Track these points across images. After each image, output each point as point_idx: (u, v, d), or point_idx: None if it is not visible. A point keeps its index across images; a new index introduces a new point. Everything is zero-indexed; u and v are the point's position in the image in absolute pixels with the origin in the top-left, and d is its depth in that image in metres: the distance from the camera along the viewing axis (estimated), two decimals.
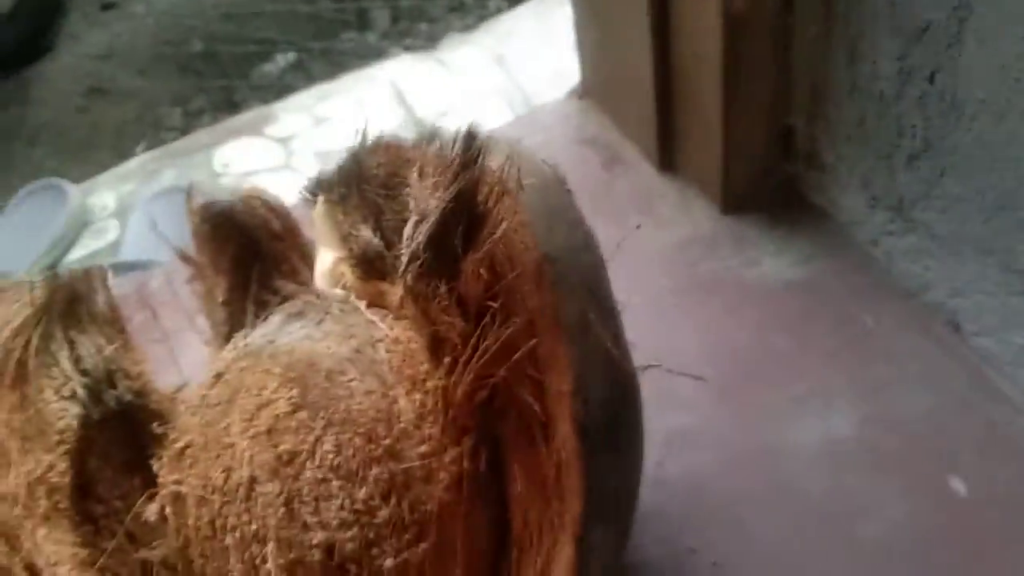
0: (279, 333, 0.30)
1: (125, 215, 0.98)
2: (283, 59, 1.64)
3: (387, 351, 0.29)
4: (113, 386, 0.34)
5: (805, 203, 0.53)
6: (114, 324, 0.37)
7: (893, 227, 0.48)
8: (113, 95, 1.74)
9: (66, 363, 0.35)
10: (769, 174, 0.52)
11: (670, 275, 0.51)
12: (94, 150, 1.52)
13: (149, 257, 0.78)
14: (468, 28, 1.45)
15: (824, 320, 0.48)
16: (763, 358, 0.47)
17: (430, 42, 1.42)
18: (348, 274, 0.33)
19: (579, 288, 0.28)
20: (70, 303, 0.37)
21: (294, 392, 0.28)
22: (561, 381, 0.27)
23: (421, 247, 0.27)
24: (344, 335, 0.29)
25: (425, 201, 0.28)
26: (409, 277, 0.27)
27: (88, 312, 0.37)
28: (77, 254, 0.92)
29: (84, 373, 0.34)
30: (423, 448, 0.27)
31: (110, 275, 0.39)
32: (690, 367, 0.33)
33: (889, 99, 0.44)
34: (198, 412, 0.30)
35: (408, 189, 0.29)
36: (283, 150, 1.11)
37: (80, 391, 0.33)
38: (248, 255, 0.39)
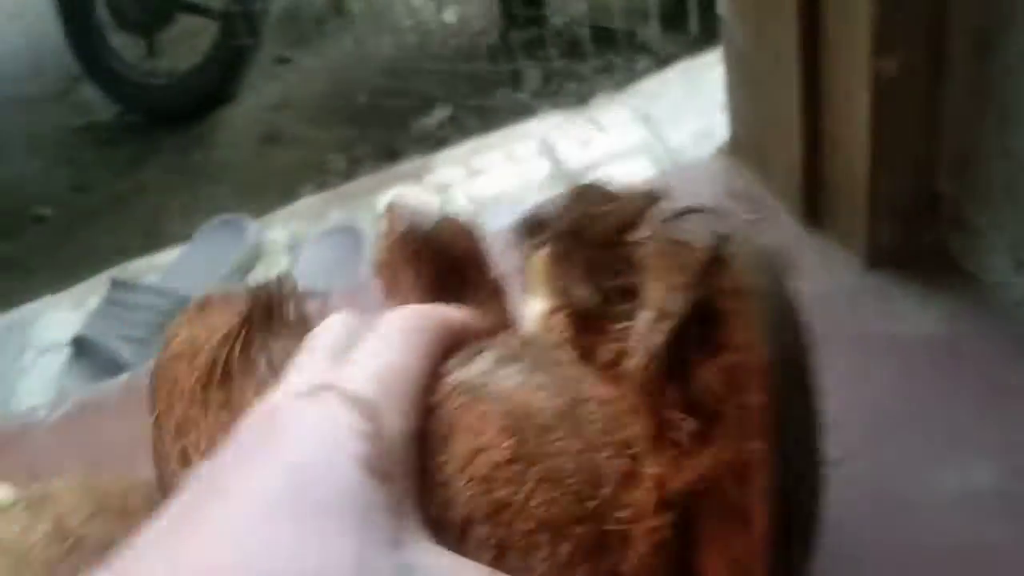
0: (493, 375, 0.31)
1: (295, 249, 1.06)
2: (440, 113, 1.74)
3: (595, 411, 0.30)
4: None
5: (951, 263, 0.54)
6: (304, 329, 0.39)
7: None
8: (285, 141, 1.89)
9: (263, 366, 0.39)
10: (915, 235, 0.54)
11: (812, 326, 0.52)
12: (267, 191, 1.65)
13: (317, 287, 0.86)
14: (617, 87, 1.49)
15: (966, 376, 0.49)
16: (902, 411, 0.48)
17: (580, 101, 1.47)
18: (561, 326, 0.34)
19: (798, 393, 0.30)
20: (267, 311, 0.40)
21: (511, 443, 0.28)
22: (767, 479, 0.28)
23: (658, 348, 0.28)
24: (557, 389, 0.30)
25: (664, 297, 0.29)
26: (641, 374, 0.29)
27: (281, 319, 0.40)
28: (254, 280, 1.01)
29: (277, 375, 0.37)
30: (625, 513, 0.29)
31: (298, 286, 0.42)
32: (828, 417, 0.35)
33: None
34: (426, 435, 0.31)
35: (636, 254, 0.31)
36: (440, 197, 1.19)
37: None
38: (443, 280, 0.39)
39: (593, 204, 0.34)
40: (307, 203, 1.21)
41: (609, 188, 0.35)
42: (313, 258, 0.96)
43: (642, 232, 0.31)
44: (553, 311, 0.34)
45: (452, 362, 0.32)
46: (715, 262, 0.28)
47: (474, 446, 0.29)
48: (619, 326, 0.31)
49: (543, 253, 0.35)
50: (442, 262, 0.39)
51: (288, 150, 1.82)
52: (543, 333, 0.34)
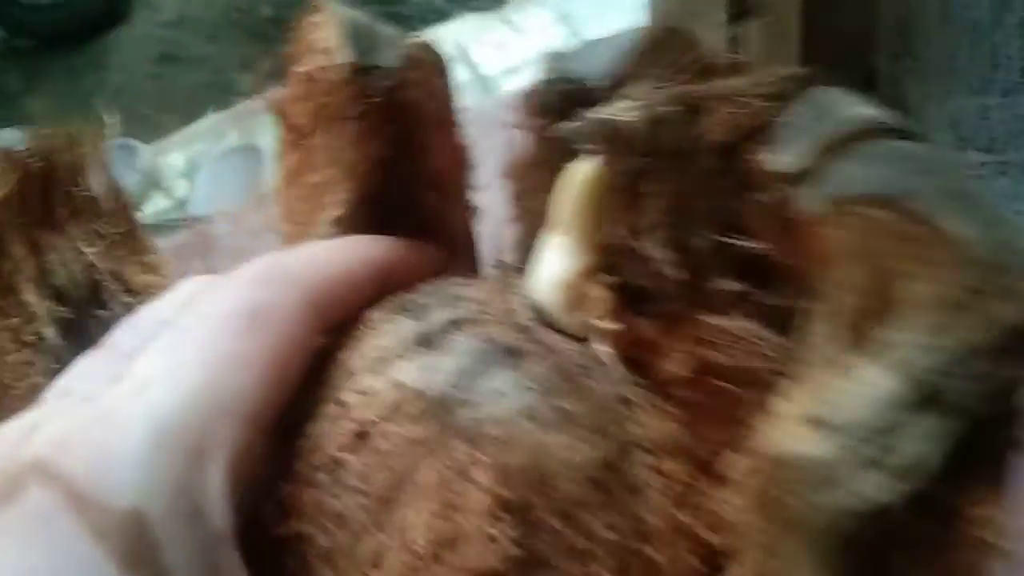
0: (476, 383, 0.18)
1: (193, 174, 0.99)
2: None
3: (649, 466, 0.18)
4: (100, 305, 0.25)
5: None
6: (116, 215, 0.27)
7: (984, 169, 0.44)
8: (184, 62, 1.76)
9: (28, 289, 0.25)
10: None
11: None
12: (166, 115, 1.55)
13: (215, 211, 0.79)
14: None
15: None
16: None
17: (495, 3, 1.40)
18: (602, 304, 0.20)
19: None
20: (45, 188, 0.26)
21: (511, 532, 0.17)
22: None
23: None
24: (591, 428, 0.18)
25: (910, 336, 0.15)
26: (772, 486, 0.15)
27: (72, 199, 0.27)
28: (146, 211, 0.94)
29: (56, 295, 0.25)
30: None
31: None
32: None
33: (984, 28, 0.41)
34: (326, 486, 0.18)
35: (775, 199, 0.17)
36: None
37: (47, 330, 0.24)
38: (393, 139, 0.24)
39: (694, 86, 0.19)
40: (207, 124, 1.13)
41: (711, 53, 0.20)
42: (211, 182, 0.89)
43: (790, 157, 0.17)
44: (589, 273, 0.20)
45: (379, 331, 0.19)
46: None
47: (450, 531, 0.17)
48: (714, 321, 0.18)
49: (591, 169, 0.20)
50: (402, 122, 0.23)
51: (188, 71, 1.70)
52: (566, 310, 0.20)
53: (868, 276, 0.15)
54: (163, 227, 0.77)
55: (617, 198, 0.19)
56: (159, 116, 1.54)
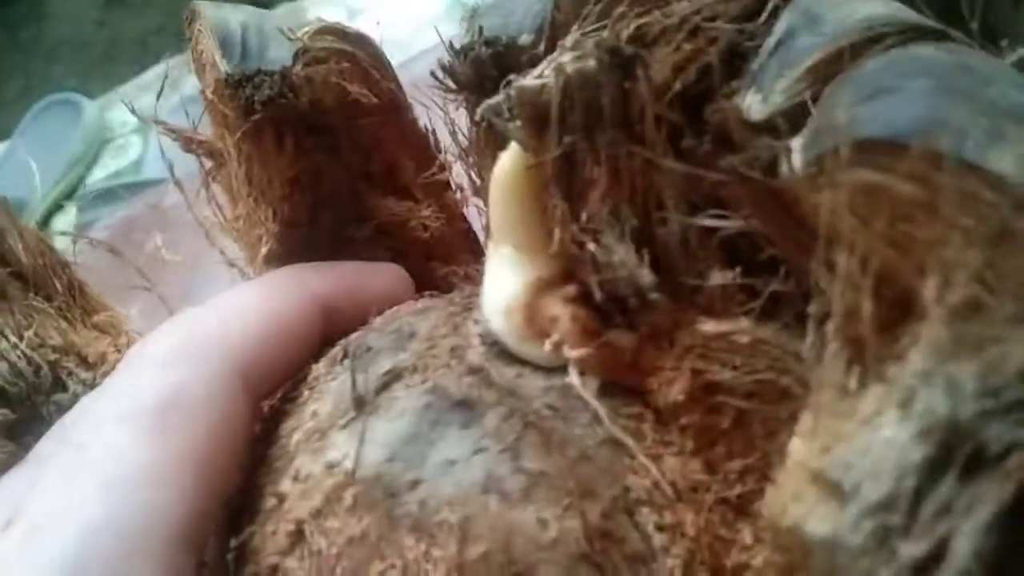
0: (423, 453, 0.15)
1: (147, 130, 0.89)
2: None
3: (658, 527, 0.14)
4: (58, 387, 0.21)
5: None
6: (47, 278, 0.24)
7: None
8: (132, 5, 1.63)
9: None
10: None
11: None
12: (115, 66, 1.43)
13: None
14: None
15: None
16: None
17: None
18: (567, 323, 0.16)
19: None
20: None
21: None
22: None
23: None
24: (572, 491, 0.14)
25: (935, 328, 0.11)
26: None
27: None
28: (98, 174, 0.83)
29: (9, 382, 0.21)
30: None
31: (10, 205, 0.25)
32: None
33: None
34: None
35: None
36: None
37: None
38: (318, 151, 0.21)
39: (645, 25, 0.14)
40: (158, 72, 1.01)
41: None
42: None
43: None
44: (545, 288, 0.16)
45: (307, 412, 0.16)
46: None
47: None
48: (708, 327, 0.14)
49: (518, 157, 0.16)
50: (311, 121, 0.20)
51: (137, 15, 1.58)
52: (525, 336, 0.16)
53: (877, 262, 0.11)
54: (114, 194, 0.66)
55: (557, 189, 0.15)
56: (106, 67, 1.42)
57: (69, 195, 0.81)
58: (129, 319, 0.29)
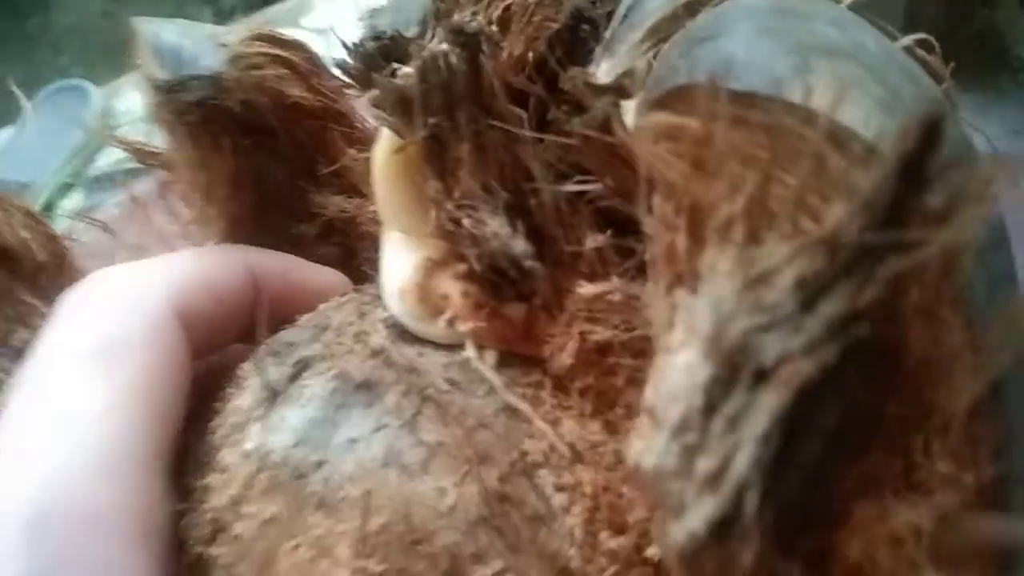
0: (328, 435, 0.15)
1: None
2: None
3: (557, 487, 0.15)
4: None
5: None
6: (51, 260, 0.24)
7: None
8: None
9: None
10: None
11: None
12: (120, 56, 1.43)
13: None
14: None
15: None
16: None
17: None
18: (458, 298, 0.16)
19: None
20: None
21: None
22: None
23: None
24: (469, 458, 0.15)
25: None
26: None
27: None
28: (104, 161, 0.83)
29: None
30: None
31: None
32: None
33: None
34: None
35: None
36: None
37: None
38: (259, 151, 0.22)
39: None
40: None
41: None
42: None
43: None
44: (431, 266, 0.17)
45: (230, 407, 0.17)
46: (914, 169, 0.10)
47: None
48: (586, 291, 0.15)
49: (391, 144, 0.17)
50: (249, 125, 0.20)
51: (142, 5, 1.58)
52: (421, 316, 0.17)
53: (687, 201, 0.12)
54: (120, 179, 0.67)
55: (430, 170, 0.16)
56: (111, 58, 1.42)
57: (75, 180, 0.81)
58: None
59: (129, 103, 0.92)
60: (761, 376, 0.10)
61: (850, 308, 0.10)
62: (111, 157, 0.83)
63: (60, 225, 0.30)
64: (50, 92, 0.91)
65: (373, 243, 0.22)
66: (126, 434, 0.15)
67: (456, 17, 0.15)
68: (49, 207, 0.79)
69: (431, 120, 0.15)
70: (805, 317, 0.10)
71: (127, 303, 0.17)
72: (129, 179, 0.68)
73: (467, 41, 0.14)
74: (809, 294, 0.10)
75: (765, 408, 0.10)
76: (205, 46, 0.20)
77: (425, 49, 0.15)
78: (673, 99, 0.11)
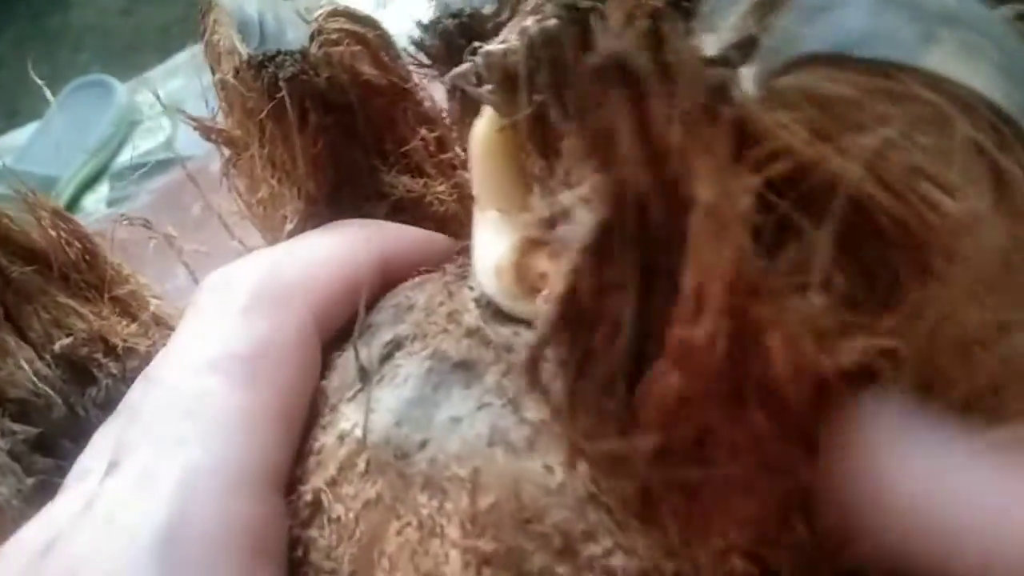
0: (429, 414, 0.15)
1: (175, 114, 0.90)
2: None
3: None
4: (91, 380, 0.22)
5: None
6: (85, 262, 0.24)
7: None
8: None
9: None
10: None
11: None
12: (139, 54, 1.44)
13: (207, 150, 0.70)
14: None
15: None
16: None
17: None
18: (557, 275, 0.14)
19: None
20: None
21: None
22: None
23: None
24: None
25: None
26: None
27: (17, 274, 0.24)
28: (127, 155, 0.84)
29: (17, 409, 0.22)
30: None
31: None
32: None
33: None
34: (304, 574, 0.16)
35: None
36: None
37: (17, 445, 0.22)
38: (337, 129, 0.21)
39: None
40: (186, 57, 1.02)
41: None
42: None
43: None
44: (532, 246, 0.16)
45: (327, 390, 0.17)
46: None
47: None
48: None
49: (492, 121, 0.16)
50: (326, 105, 0.20)
51: (161, 4, 1.59)
52: (517, 296, 0.16)
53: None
54: (145, 172, 0.68)
55: (533, 147, 0.15)
56: (130, 56, 1.43)
57: (99, 174, 0.82)
58: (165, 294, 0.29)
59: (150, 98, 0.93)
60: None
61: None
62: (136, 151, 0.84)
63: (88, 220, 0.30)
64: (74, 87, 0.92)
65: (438, 224, 0.22)
66: (261, 453, 0.15)
67: None
68: (75, 200, 0.80)
69: (537, 97, 0.15)
70: None
71: (272, 308, 0.16)
72: (153, 172, 0.69)
73: (579, 17, 0.14)
74: None
75: None
76: (287, 20, 0.20)
77: (531, 26, 0.14)
78: (797, 69, 0.12)
